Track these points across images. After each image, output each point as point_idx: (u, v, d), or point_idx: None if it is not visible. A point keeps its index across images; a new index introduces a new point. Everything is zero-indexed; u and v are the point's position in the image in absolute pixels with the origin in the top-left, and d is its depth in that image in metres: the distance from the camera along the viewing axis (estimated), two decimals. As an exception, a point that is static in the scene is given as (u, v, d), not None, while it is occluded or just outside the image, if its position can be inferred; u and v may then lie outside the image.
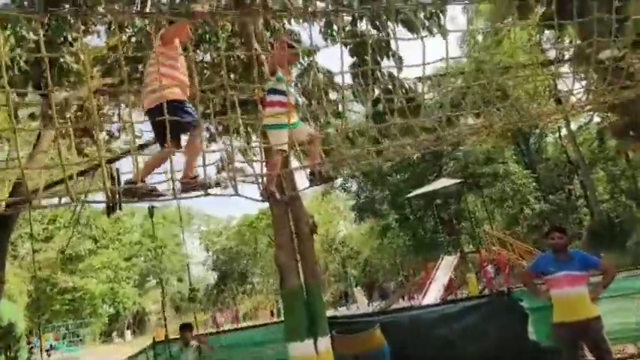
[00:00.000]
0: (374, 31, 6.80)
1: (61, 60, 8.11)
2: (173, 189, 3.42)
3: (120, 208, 11.80)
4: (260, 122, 4.36)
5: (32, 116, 9.46)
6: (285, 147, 4.00)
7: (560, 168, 34.50)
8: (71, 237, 29.30)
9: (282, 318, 8.40)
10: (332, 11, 4.98)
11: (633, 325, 6.95)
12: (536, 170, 31.01)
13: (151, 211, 11.67)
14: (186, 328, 7.37)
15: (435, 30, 6.61)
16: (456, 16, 48.32)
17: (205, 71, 9.82)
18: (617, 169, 29.93)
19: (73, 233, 30.23)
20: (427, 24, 6.63)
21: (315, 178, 4.26)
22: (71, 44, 8.36)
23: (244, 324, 33.60)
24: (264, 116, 4.16)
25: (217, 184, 3.68)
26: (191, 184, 3.60)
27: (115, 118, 10.72)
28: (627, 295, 7.33)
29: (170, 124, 3.34)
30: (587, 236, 28.01)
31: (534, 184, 28.40)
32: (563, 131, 31.96)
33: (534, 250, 20.42)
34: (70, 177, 3.76)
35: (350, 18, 7.16)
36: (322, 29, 7.42)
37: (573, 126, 30.21)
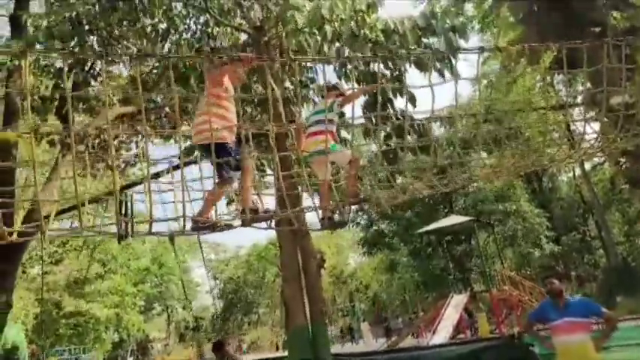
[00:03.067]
0: (387, 72, 6.97)
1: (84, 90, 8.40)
2: (184, 226, 3.50)
3: (131, 236, 11.85)
4: (305, 150, 4.44)
5: (51, 143, 9.74)
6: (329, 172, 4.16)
7: (574, 208, 33.98)
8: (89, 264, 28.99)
9: (287, 352, 8.27)
10: (346, 58, 5.16)
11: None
12: (550, 210, 30.59)
13: (172, 239, 11.62)
14: (217, 346, 6.92)
15: (446, 72, 6.76)
16: (468, 56, 48.98)
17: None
18: (632, 210, 29.41)
19: (88, 259, 30.20)
20: (439, 66, 6.79)
21: (325, 223, 4.27)
22: (98, 75, 8.68)
23: (249, 356, 32.97)
24: (311, 144, 4.33)
25: (228, 226, 3.78)
26: (203, 223, 3.71)
27: (132, 146, 10.97)
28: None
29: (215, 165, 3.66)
30: (603, 279, 27.30)
31: (547, 223, 27.95)
32: (577, 171, 31.69)
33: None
34: (83, 204, 3.86)
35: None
36: (336, 68, 7.62)
37: (587, 166, 29.96)
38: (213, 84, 3.94)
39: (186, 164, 6.94)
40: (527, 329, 5.46)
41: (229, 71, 3.98)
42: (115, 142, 10.81)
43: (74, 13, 7.51)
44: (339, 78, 7.50)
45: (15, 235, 3.17)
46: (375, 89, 4.72)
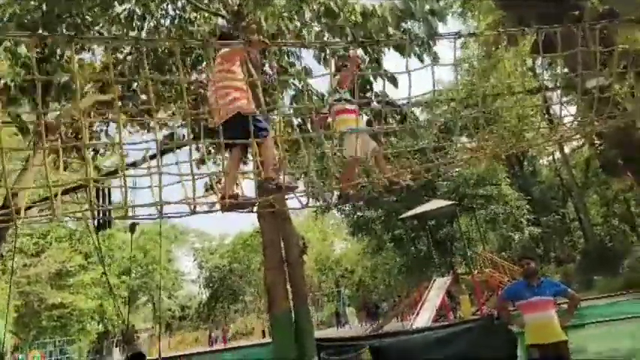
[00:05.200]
0: (365, 56, 6.93)
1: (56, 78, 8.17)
2: (160, 209, 3.45)
3: (110, 226, 11.73)
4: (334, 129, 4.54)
5: (26, 131, 9.48)
6: (358, 151, 4.30)
7: (553, 191, 34.62)
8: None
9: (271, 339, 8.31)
10: (322, 43, 5.14)
11: (626, 349, 6.98)
12: (530, 193, 31.11)
13: (133, 227, 11.69)
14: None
15: (425, 57, 6.76)
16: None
17: (201, 90, 9.93)
18: (610, 192, 30.11)
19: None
20: (418, 51, 6.79)
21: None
22: (66, 61, 8.45)
23: (234, 343, 33.10)
24: (336, 123, 4.46)
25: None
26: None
27: (103, 136, 10.74)
28: (620, 319, 7.34)
29: (245, 133, 3.62)
30: (581, 260, 27.99)
31: (527, 206, 28.46)
32: (557, 154, 32.19)
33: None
34: (56, 195, 3.78)
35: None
36: (316, 53, 7.56)
37: (566, 149, 30.46)
38: (226, 61, 3.98)
39: (164, 152, 6.84)
40: (500, 309, 5.80)
41: (240, 51, 4.07)
42: (89, 131, 10.58)
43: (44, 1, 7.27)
44: (318, 62, 7.47)
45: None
46: (357, 64, 4.79)
